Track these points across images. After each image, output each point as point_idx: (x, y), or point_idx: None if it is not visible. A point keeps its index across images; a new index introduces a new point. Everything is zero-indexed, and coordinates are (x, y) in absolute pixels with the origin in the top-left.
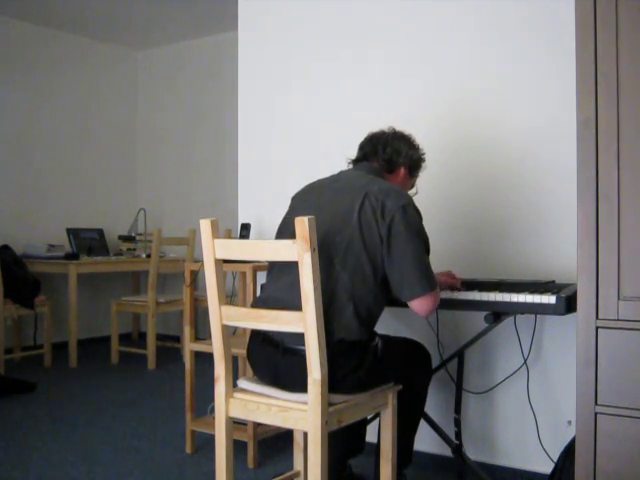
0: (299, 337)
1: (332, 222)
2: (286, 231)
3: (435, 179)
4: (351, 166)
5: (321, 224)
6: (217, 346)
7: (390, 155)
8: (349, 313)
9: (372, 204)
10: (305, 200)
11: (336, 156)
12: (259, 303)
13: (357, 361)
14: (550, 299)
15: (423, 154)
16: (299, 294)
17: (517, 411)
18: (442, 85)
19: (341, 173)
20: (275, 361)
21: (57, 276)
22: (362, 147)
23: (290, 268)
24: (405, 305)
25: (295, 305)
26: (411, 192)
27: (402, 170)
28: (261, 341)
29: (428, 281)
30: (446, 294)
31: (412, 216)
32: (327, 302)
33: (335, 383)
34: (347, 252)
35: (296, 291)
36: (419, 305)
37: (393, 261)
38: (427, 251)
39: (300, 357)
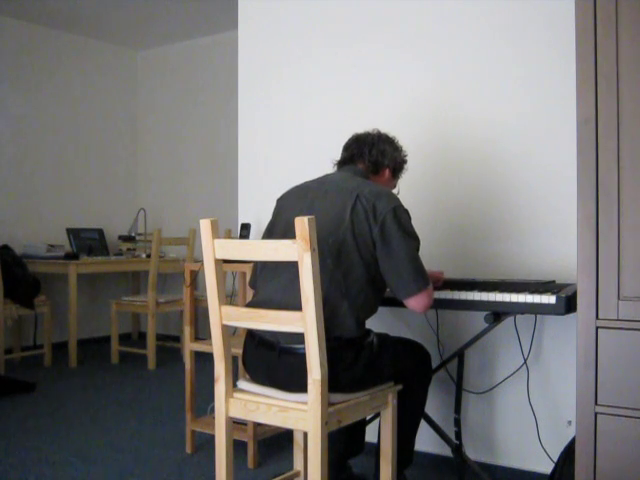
0: (294, 337)
1: (324, 223)
2: (276, 232)
3: (435, 180)
4: (335, 168)
5: None
6: (217, 346)
7: (376, 157)
8: (344, 311)
9: (364, 206)
10: (293, 202)
11: (337, 156)
12: (257, 306)
13: (353, 357)
14: (550, 299)
15: (406, 156)
16: (297, 294)
17: (517, 411)
18: (440, 85)
19: (327, 176)
20: (272, 363)
21: (57, 276)
22: (347, 148)
23: (285, 269)
24: (402, 304)
25: (294, 306)
26: (393, 191)
27: (387, 171)
28: (256, 344)
29: (422, 278)
30: (446, 294)
31: (402, 217)
32: (322, 301)
33: (332, 380)
34: (340, 253)
35: (293, 291)
36: (416, 302)
37: (387, 262)
38: (417, 249)
39: (297, 357)
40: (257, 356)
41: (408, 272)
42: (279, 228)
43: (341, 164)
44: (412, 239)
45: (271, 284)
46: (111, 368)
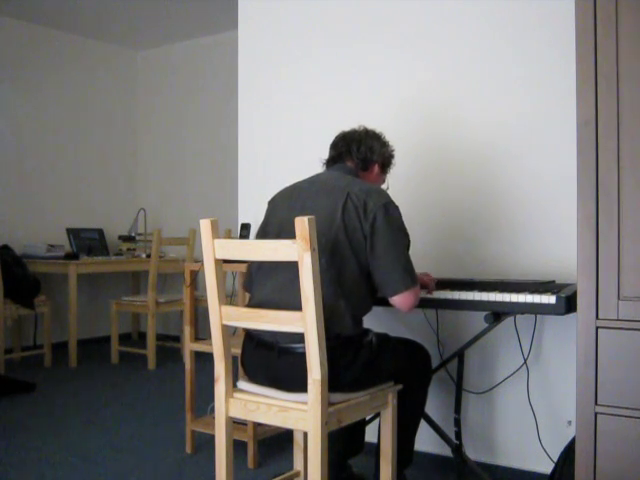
0: (293, 336)
1: (316, 223)
2: (269, 233)
3: (435, 180)
4: (325, 166)
5: None
6: (217, 346)
7: (364, 153)
8: (341, 310)
9: (355, 204)
10: (285, 203)
11: None
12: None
13: (352, 356)
14: (550, 299)
15: (393, 150)
16: (294, 294)
17: (517, 411)
18: (440, 85)
19: (318, 175)
20: (271, 363)
21: (57, 276)
22: (335, 146)
23: (281, 269)
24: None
25: (292, 306)
26: (383, 187)
27: (376, 167)
28: (255, 345)
29: (409, 277)
30: (446, 294)
31: (393, 214)
32: None
33: (332, 379)
34: (333, 251)
35: (291, 292)
36: (401, 301)
37: (376, 259)
38: (407, 247)
39: (295, 356)
40: (256, 357)
41: (396, 269)
42: (272, 229)
43: (330, 162)
44: (402, 235)
45: (267, 285)
46: (111, 368)
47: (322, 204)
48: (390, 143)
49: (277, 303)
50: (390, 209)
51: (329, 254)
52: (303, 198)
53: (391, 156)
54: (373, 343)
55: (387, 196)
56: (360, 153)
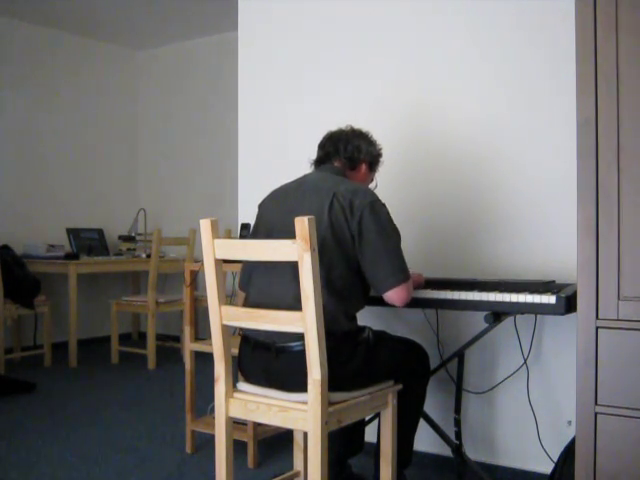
0: (290, 335)
1: None
2: (259, 234)
3: (435, 179)
4: (313, 167)
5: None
6: (217, 346)
7: (351, 153)
8: (333, 308)
9: (341, 204)
10: (273, 206)
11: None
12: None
13: (350, 352)
14: (550, 299)
15: (381, 149)
16: (291, 294)
17: (517, 411)
18: (440, 85)
19: (305, 176)
20: (270, 364)
21: (57, 276)
22: (322, 146)
23: (276, 269)
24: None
25: (284, 305)
26: (371, 185)
27: (363, 166)
28: (252, 347)
29: (401, 272)
30: (446, 294)
31: (380, 211)
32: None
33: (330, 376)
34: (321, 251)
35: (285, 291)
36: (395, 296)
37: (366, 257)
38: (398, 242)
39: (293, 355)
40: (254, 359)
41: (386, 266)
42: (262, 230)
43: (318, 163)
44: (391, 232)
45: (261, 286)
46: (111, 368)
47: (309, 205)
48: (378, 142)
49: (275, 304)
50: (376, 207)
51: (318, 254)
52: (291, 200)
53: (379, 155)
54: (370, 339)
55: (373, 194)
56: (347, 152)
